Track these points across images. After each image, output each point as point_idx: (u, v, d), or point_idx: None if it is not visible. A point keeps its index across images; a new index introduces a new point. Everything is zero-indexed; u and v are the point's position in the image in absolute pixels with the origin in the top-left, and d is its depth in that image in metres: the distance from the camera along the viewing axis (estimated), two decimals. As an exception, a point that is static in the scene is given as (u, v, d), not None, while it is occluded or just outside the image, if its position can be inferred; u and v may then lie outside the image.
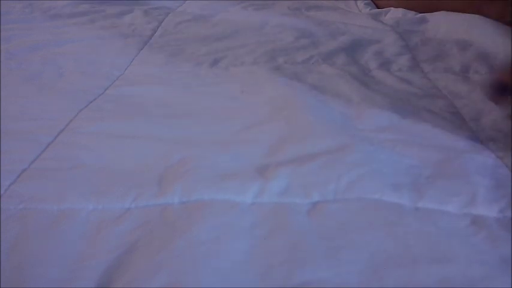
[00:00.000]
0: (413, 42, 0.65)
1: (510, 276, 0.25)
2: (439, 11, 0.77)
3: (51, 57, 0.62)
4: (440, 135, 0.39)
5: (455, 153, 0.36)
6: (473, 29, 0.64)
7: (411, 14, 0.80)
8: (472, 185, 0.32)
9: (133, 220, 0.30)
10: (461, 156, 0.36)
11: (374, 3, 0.93)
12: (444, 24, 0.71)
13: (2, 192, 0.33)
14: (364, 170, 0.33)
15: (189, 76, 0.55)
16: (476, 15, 0.69)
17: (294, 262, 0.26)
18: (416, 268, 0.25)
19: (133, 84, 0.53)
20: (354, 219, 0.29)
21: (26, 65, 0.60)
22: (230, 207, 0.31)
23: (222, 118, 0.43)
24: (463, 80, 0.51)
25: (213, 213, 0.30)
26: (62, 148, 0.39)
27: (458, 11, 0.73)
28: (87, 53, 0.64)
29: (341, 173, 0.33)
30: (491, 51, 0.57)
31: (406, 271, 0.25)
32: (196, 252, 0.27)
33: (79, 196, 0.32)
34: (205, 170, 0.34)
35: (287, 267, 0.26)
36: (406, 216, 0.29)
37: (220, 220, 0.29)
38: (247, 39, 0.68)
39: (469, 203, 0.30)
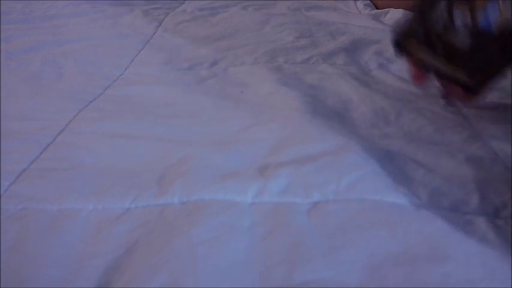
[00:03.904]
0: (413, 42, 0.65)
1: (510, 277, 0.24)
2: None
3: (51, 57, 0.62)
4: (441, 135, 0.39)
5: (456, 153, 0.36)
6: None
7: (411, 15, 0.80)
8: (470, 189, 0.32)
9: (133, 220, 0.30)
10: (462, 155, 0.36)
11: (373, 4, 0.93)
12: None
13: (1, 192, 0.33)
14: (364, 171, 0.33)
15: (189, 76, 0.55)
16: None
17: (294, 262, 0.26)
18: (416, 267, 0.25)
19: (133, 84, 0.53)
20: (354, 219, 0.29)
21: (26, 65, 0.60)
22: (230, 207, 0.31)
23: (222, 118, 0.43)
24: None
25: (212, 213, 0.30)
26: (61, 148, 0.39)
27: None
28: (87, 53, 0.64)
29: (341, 174, 0.33)
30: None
31: (406, 270, 0.25)
32: (196, 252, 0.27)
33: (79, 196, 0.32)
34: (205, 170, 0.34)
35: (287, 266, 0.26)
36: (406, 216, 0.29)
37: (220, 220, 0.29)
38: (247, 39, 0.68)
39: (467, 206, 0.30)
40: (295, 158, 0.35)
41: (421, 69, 0.44)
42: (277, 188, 0.32)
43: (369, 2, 0.94)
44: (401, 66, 0.56)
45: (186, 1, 0.97)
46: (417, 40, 0.40)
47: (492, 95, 0.46)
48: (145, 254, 0.27)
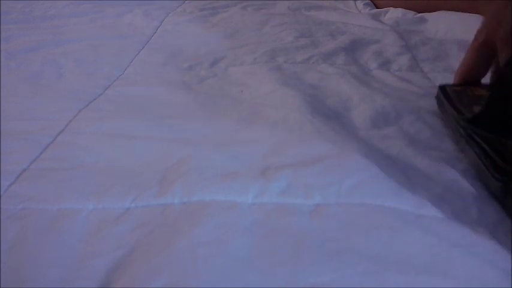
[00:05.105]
0: (413, 41, 0.65)
1: None
2: (438, 11, 0.78)
3: (51, 57, 0.62)
4: (440, 141, 0.39)
5: (454, 162, 0.36)
6: (473, 29, 0.64)
7: (411, 14, 0.80)
8: (469, 195, 0.32)
9: (134, 220, 0.30)
10: (460, 166, 0.35)
11: (373, 3, 0.93)
12: (444, 24, 0.71)
13: (1, 192, 0.33)
14: (365, 174, 0.33)
15: (189, 76, 0.55)
16: (476, 15, 0.69)
17: (296, 264, 0.26)
18: (418, 278, 0.25)
19: (133, 84, 0.53)
20: (356, 222, 0.29)
21: (26, 65, 0.60)
22: (231, 207, 0.31)
23: (222, 118, 0.43)
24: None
25: (213, 213, 0.30)
26: (61, 148, 0.39)
27: (458, 11, 0.73)
28: (87, 53, 0.64)
29: (342, 176, 0.33)
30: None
31: (407, 280, 0.25)
32: (197, 253, 0.26)
33: (79, 196, 0.32)
34: (205, 170, 0.34)
35: (289, 268, 0.26)
36: (408, 223, 0.29)
37: (220, 220, 0.29)
38: (247, 39, 0.68)
39: (467, 216, 0.30)
40: (296, 158, 0.35)
41: None
42: (278, 188, 0.32)
43: (369, 1, 0.94)
44: (401, 66, 0.56)
45: (186, 1, 0.97)
46: None
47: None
48: (145, 254, 0.27)
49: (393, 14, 0.82)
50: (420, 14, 0.79)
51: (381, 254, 0.26)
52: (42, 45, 0.67)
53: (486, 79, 0.44)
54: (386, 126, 0.41)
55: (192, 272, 0.25)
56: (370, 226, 0.29)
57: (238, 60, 0.59)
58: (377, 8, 0.90)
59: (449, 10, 0.76)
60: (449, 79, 0.52)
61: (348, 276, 0.25)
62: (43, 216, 0.31)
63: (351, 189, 0.32)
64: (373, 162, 0.35)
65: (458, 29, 0.67)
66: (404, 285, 0.24)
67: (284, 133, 0.40)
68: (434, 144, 0.38)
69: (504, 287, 0.25)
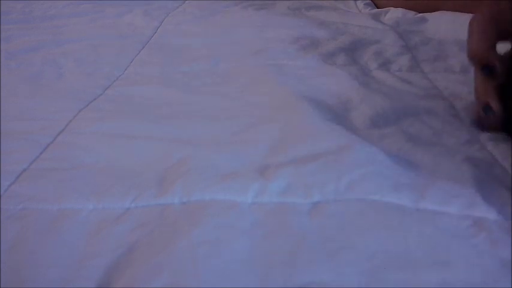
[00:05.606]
0: (413, 42, 0.65)
1: (510, 281, 0.24)
2: (439, 11, 0.78)
3: (51, 57, 0.62)
4: (439, 138, 0.39)
5: (455, 155, 0.36)
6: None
7: (411, 14, 0.80)
8: (472, 186, 0.32)
9: (134, 220, 0.30)
10: (460, 157, 0.36)
11: (373, 3, 0.93)
12: (444, 24, 0.71)
13: (1, 192, 0.33)
14: (364, 171, 0.33)
15: (189, 76, 0.55)
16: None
17: (294, 263, 0.26)
18: (416, 273, 0.25)
19: (133, 84, 0.53)
20: (355, 220, 0.29)
21: (26, 65, 0.60)
22: (230, 207, 0.31)
23: (222, 118, 0.43)
24: (463, 80, 0.51)
25: (213, 213, 0.30)
26: (61, 148, 0.39)
27: (458, 11, 0.73)
28: (87, 53, 0.64)
29: (341, 173, 0.33)
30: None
31: (407, 275, 0.25)
32: (196, 253, 0.27)
33: (79, 196, 0.32)
34: (205, 170, 0.34)
35: (288, 268, 0.26)
36: (407, 217, 0.29)
37: (220, 220, 0.29)
38: (248, 40, 0.68)
39: (469, 205, 0.30)
40: (296, 158, 0.35)
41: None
42: (278, 188, 0.32)
43: (369, 1, 0.94)
44: (401, 66, 0.56)
45: (186, 1, 0.97)
46: None
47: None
48: (145, 254, 0.27)
49: (393, 14, 0.82)
50: (420, 14, 0.79)
51: (380, 252, 0.26)
52: (42, 45, 0.67)
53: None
54: (386, 126, 0.41)
55: (192, 272, 0.25)
56: (369, 224, 0.29)
57: (239, 61, 0.59)
58: (377, 8, 0.90)
59: (449, 10, 0.76)
60: (449, 79, 0.52)
61: (348, 275, 0.25)
62: (43, 216, 0.31)
63: (349, 185, 0.32)
64: (372, 159, 0.35)
65: (459, 29, 0.66)
66: (404, 284, 0.25)
67: (284, 133, 0.40)
68: (435, 141, 0.38)
69: (504, 275, 0.25)
